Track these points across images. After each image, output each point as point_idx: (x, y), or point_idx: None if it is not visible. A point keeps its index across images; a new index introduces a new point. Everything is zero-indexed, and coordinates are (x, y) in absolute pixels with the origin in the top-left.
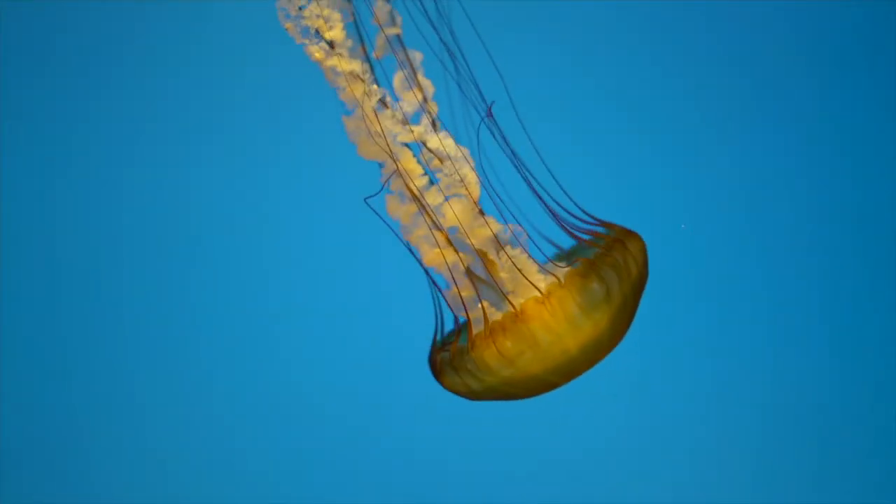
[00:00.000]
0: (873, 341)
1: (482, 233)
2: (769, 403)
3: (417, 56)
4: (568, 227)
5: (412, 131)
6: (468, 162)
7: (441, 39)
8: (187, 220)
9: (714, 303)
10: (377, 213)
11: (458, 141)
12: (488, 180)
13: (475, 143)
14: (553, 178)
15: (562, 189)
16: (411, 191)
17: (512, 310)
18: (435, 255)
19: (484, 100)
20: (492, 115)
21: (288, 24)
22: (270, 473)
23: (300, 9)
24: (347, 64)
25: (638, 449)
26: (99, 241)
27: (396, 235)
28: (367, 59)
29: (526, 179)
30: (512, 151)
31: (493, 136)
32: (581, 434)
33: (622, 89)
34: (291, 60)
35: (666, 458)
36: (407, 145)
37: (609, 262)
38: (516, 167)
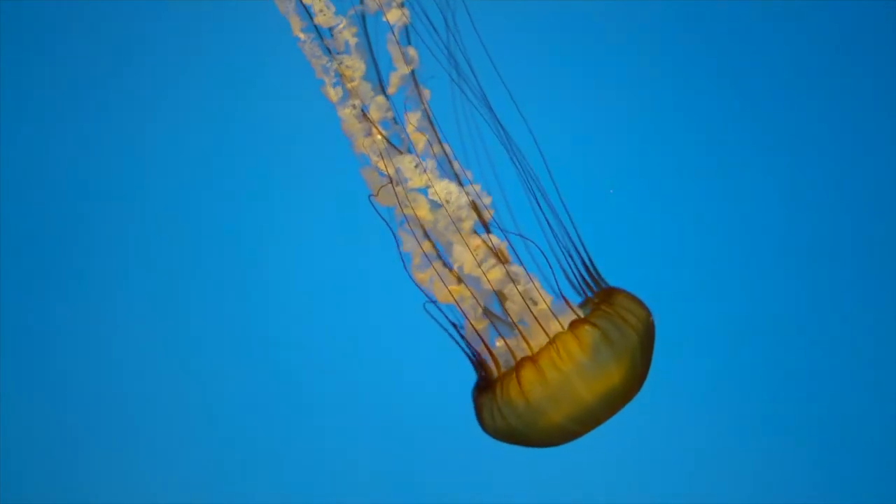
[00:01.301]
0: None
1: (494, 272)
2: (789, 432)
3: (427, 94)
4: (575, 276)
5: (427, 178)
6: (480, 199)
7: (446, 66)
8: (189, 224)
9: (729, 341)
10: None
11: (467, 165)
12: (504, 219)
13: (483, 162)
14: (568, 214)
15: (577, 233)
16: (424, 231)
17: (523, 346)
18: (447, 293)
19: (501, 124)
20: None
21: (314, 62)
22: (269, 479)
23: (329, 54)
24: (359, 123)
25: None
26: (98, 239)
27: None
28: (386, 98)
29: (538, 216)
30: (531, 188)
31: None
32: (600, 485)
33: (631, 105)
34: (299, 59)
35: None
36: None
37: (600, 314)
38: (532, 208)
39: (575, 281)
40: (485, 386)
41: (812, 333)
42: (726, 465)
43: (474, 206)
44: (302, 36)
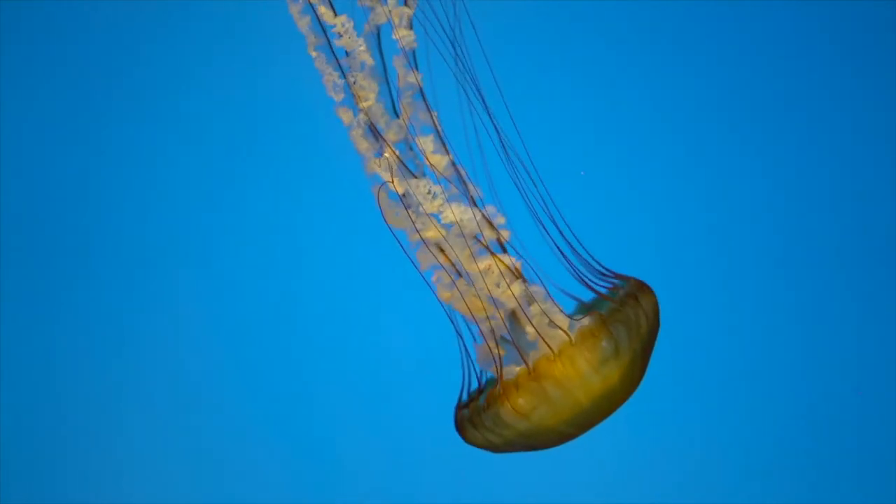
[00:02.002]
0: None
1: (507, 291)
2: (785, 443)
3: (436, 115)
4: (583, 279)
5: (440, 203)
6: (495, 220)
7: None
8: (192, 229)
9: (729, 342)
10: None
11: (476, 180)
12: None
13: (490, 175)
14: (568, 227)
15: (577, 239)
16: (440, 250)
17: (526, 366)
18: (463, 309)
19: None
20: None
21: (327, 78)
22: (264, 480)
23: (342, 73)
24: (370, 144)
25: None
26: (99, 241)
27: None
28: (399, 120)
29: (542, 226)
30: (527, 200)
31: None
32: (596, 484)
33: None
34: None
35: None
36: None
37: (619, 318)
38: (534, 218)
39: (582, 287)
40: (475, 408)
41: (810, 331)
42: (720, 463)
43: (489, 226)
44: (314, 53)
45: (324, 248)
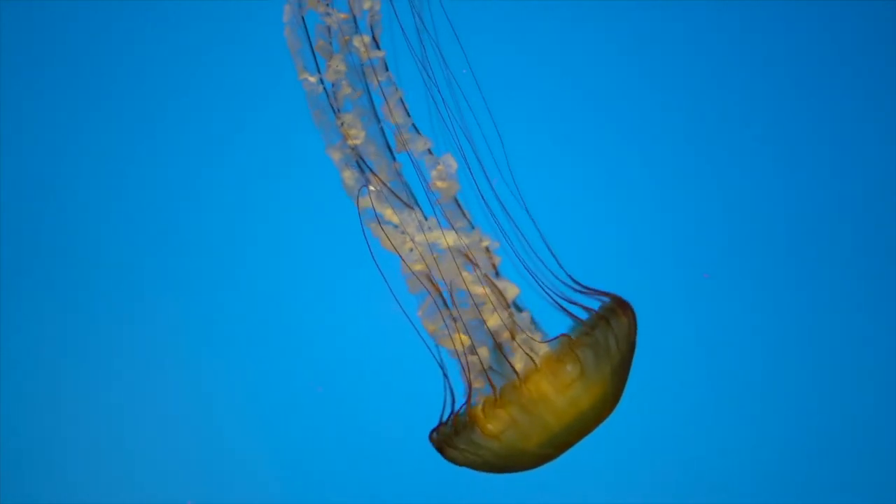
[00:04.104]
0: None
1: (493, 317)
2: (771, 459)
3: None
4: (559, 298)
5: (433, 234)
6: (488, 246)
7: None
8: (199, 240)
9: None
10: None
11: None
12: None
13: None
14: (547, 246)
15: (555, 258)
16: (428, 276)
17: (493, 390)
18: (441, 332)
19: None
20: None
21: (316, 116)
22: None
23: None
24: (356, 174)
25: None
26: (96, 242)
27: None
28: (392, 156)
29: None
30: (501, 223)
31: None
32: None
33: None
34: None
35: None
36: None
37: (588, 341)
38: (512, 234)
39: (560, 304)
40: (451, 427)
41: (800, 345)
42: (702, 479)
43: (483, 253)
44: (308, 82)
45: (318, 252)
